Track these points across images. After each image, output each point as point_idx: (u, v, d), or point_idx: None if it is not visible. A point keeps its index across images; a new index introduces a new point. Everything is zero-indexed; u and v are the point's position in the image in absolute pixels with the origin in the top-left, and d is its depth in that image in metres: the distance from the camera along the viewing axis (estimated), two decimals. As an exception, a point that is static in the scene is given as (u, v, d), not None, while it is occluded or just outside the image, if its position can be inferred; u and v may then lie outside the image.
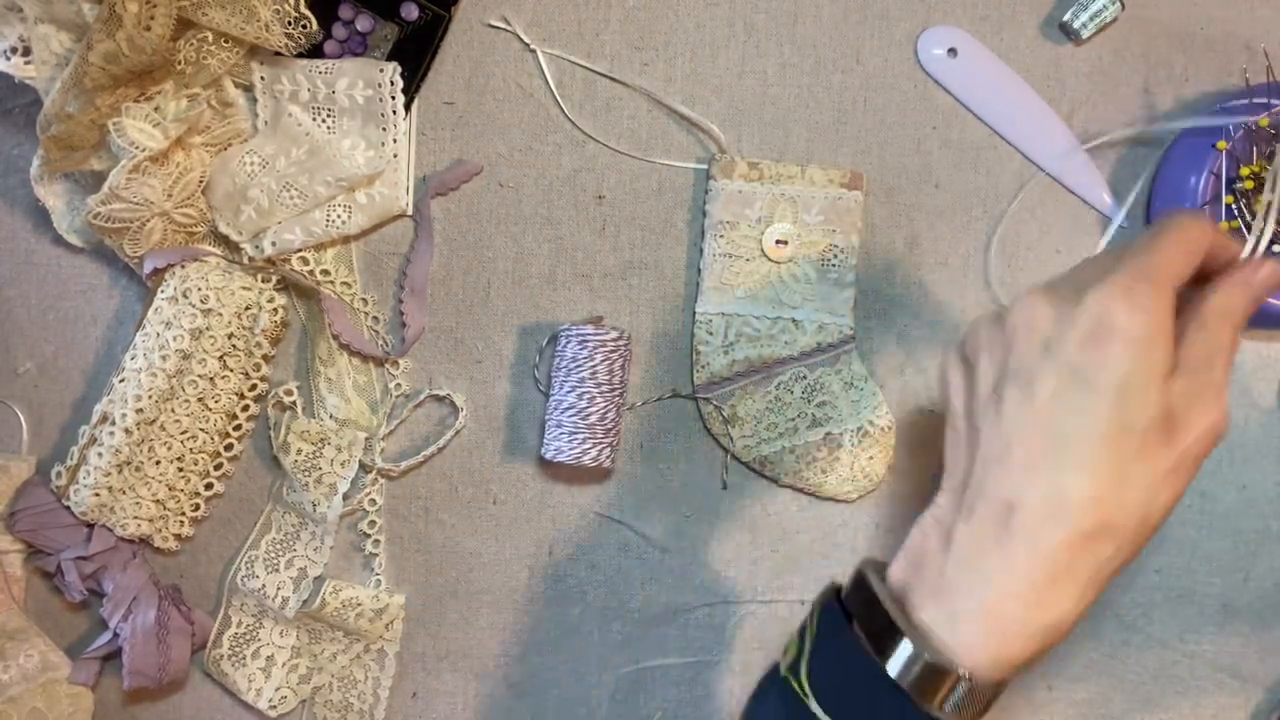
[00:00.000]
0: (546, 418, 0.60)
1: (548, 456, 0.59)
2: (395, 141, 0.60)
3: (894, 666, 0.41)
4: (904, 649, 0.41)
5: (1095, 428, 0.40)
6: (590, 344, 0.58)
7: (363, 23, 0.59)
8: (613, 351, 0.58)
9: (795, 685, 0.43)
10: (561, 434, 0.58)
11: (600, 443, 0.58)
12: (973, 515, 0.42)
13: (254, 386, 0.60)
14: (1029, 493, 0.41)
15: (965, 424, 0.44)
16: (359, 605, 0.60)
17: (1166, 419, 0.41)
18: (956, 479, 0.44)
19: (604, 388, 0.58)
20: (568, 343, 0.59)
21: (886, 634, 0.42)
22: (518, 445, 0.62)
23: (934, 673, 0.41)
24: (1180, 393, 0.41)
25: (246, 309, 0.59)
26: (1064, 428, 0.41)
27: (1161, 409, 0.41)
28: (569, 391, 0.58)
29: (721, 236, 0.60)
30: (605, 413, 0.58)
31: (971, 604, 0.41)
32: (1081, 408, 0.40)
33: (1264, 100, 0.57)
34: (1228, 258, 0.45)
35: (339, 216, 0.60)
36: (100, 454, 0.58)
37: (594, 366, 0.58)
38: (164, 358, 0.57)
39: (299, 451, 0.60)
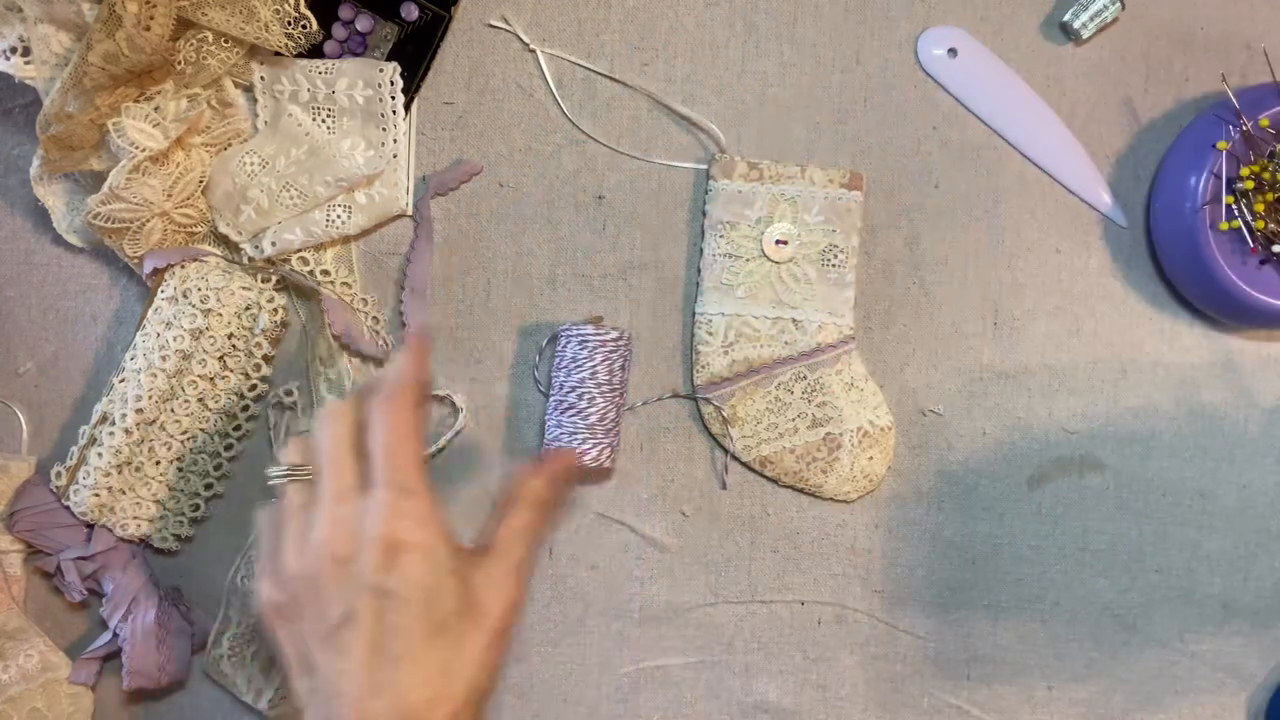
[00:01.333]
0: (546, 417, 0.60)
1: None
2: (395, 141, 0.60)
3: None
4: None
5: (414, 635, 0.44)
6: (590, 344, 0.58)
7: (363, 23, 0.59)
8: (613, 351, 0.58)
9: None
10: (561, 434, 0.58)
11: (600, 443, 0.58)
12: None
13: (254, 387, 0.60)
14: (377, 711, 0.44)
15: (305, 671, 0.46)
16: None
17: (470, 607, 0.46)
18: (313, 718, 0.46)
19: (604, 388, 0.58)
20: (568, 343, 0.59)
21: None
22: (518, 445, 0.62)
23: None
24: (480, 581, 0.47)
25: (246, 309, 0.59)
26: (390, 643, 0.44)
27: (462, 600, 0.46)
28: (569, 391, 0.58)
29: (721, 236, 0.60)
30: (605, 413, 0.58)
31: None
32: (398, 622, 0.44)
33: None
34: None
35: (339, 216, 0.60)
36: (100, 454, 0.58)
37: (594, 366, 0.58)
38: (164, 358, 0.57)
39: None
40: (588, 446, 0.58)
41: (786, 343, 0.60)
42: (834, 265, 0.60)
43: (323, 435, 0.48)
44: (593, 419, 0.58)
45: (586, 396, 0.58)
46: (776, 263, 0.60)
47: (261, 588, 0.47)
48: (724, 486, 0.62)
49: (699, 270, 0.61)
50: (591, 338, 0.58)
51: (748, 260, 0.60)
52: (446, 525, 0.46)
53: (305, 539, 0.46)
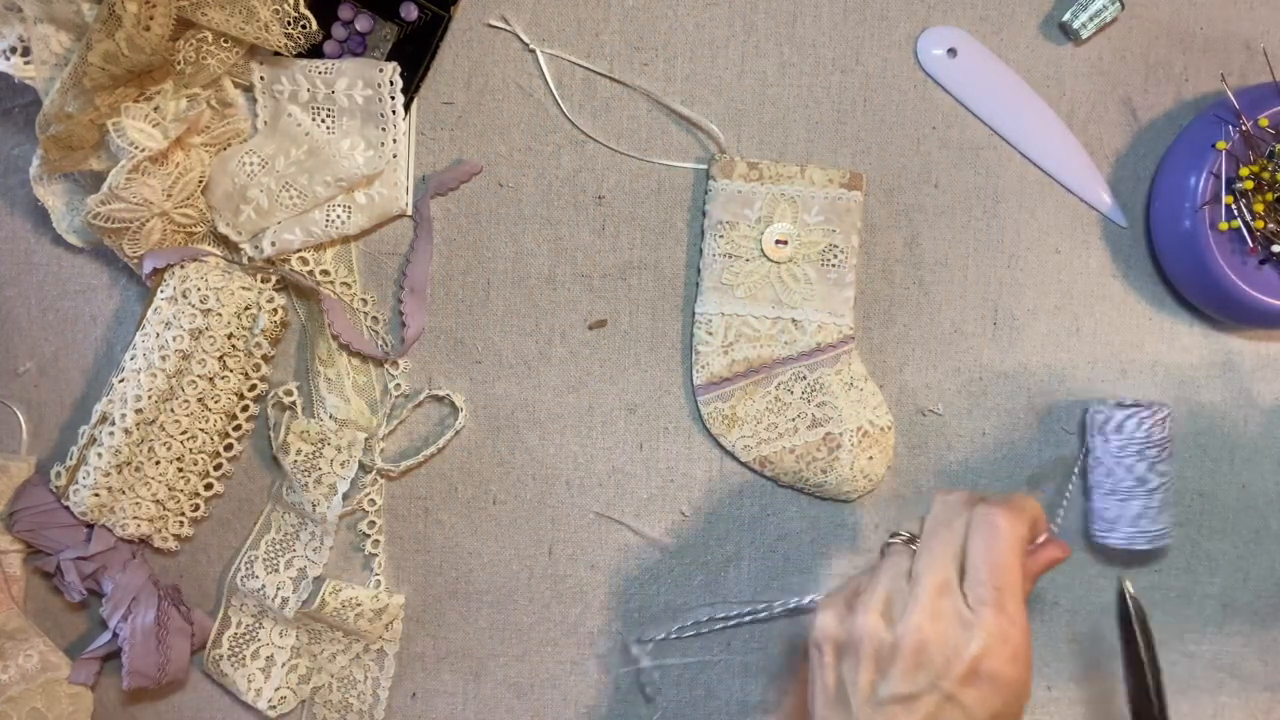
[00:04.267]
0: (1106, 498, 0.59)
1: (1118, 543, 0.58)
2: (395, 141, 0.60)
3: None
4: None
5: None
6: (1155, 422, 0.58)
7: (362, 23, 0.59)
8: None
9: None
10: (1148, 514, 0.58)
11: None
12: None
13: (254, 387, 0.60)
14: None
15: (837, 712, 0.49)
16: (358, 605, 0.60)
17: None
18: None
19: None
20: (1142, 424, 0.58)
21: None
22: (517, 445, 0.62)
23: None
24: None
25: (246, 309, 0.59)
26: None
27: None
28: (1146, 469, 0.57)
29: (721, 236, 0.60)
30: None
31: None
32: None
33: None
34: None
35: (338, 216, 0.60)
36: (100, 454, 0.58)
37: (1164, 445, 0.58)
38: (164, 358, 0.57)
39: (299, 452, 0.60)
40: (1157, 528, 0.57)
41: (786, 343, 0.60)
42: (834, 265, 0.60)
43: (941, 521, 0.49)
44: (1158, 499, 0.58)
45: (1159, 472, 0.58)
46: (776, 263, 0.60)
47: (828, 617, 0.50)
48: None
49: (699, 270, 0.61)
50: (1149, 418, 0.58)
51: (747, 260, 0.60)
52: (1031, 668, 0.47)
53: (897, 607, 0.48)
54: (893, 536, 0.51)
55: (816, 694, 0.50)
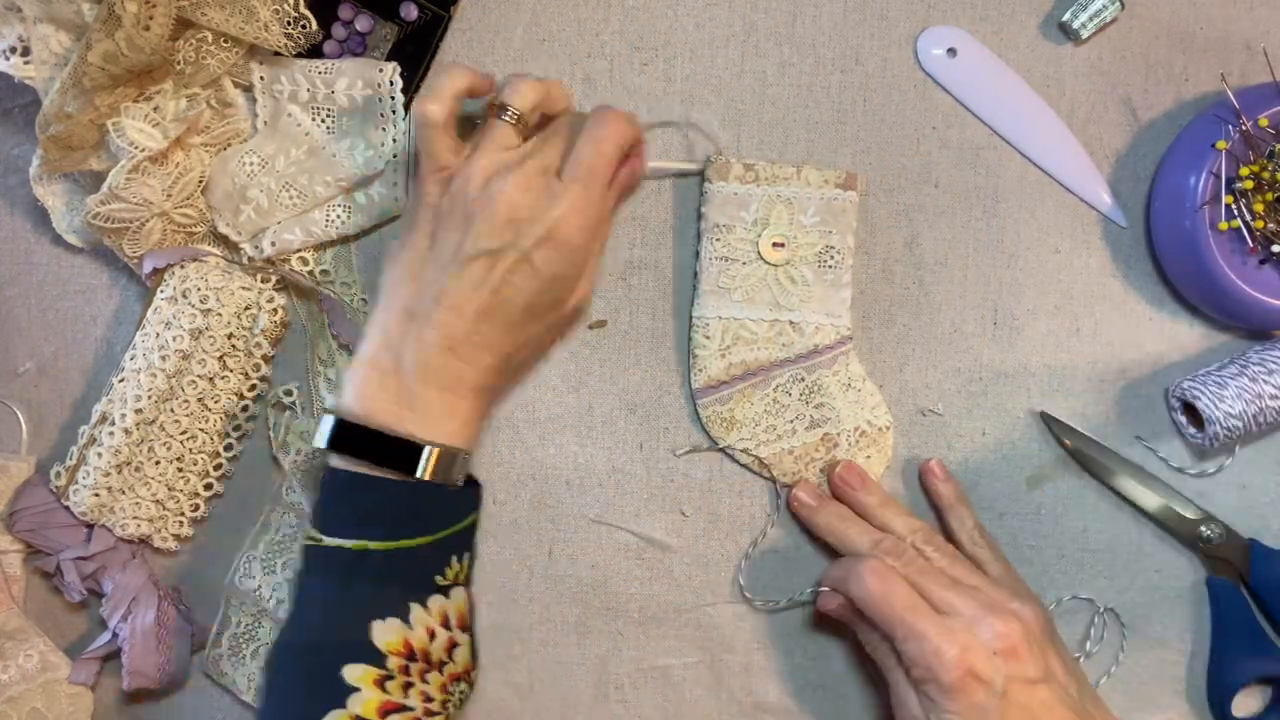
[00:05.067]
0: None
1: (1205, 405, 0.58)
2: (395, 141, 0.60)
3: (425, 469, 0.51)
4: (428, 454, 0.51)
5: (522, 299, 0.53)
6: None
7: (362, 23, 0.59)
8: None
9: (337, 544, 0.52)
10: None
11: None
12: (425, 340, 0.52)
13: (253, 387, 0.60)
14: (470, 335, 0.53)
15: (417, 275, 0.53)
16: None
17: (567, 295, 0.56)
18: (408, 306, 0.53)
19: None
20: None
21: (405, 451, 0.51)
22: (517, 445, 0.62)
23: (454, 457, 0.53)
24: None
25: (246, 309, 0.59)
26: (504, 295, 0.52)
27: (567, 292, 0.55)
28: None
29: (718, 240, 0.60)
30: None
31: (444, 399, 0.53)
32: (520, 286, 0.52)
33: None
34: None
35: (338, 216, 0.60)
36: (100, 454, 0.58)
37: None
38: (163, 358, 0.57)
39: (298, 452, 0.60)
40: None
41: (784, 345, 0.60)
42: (830, 266, 0.60)
43: (566, 124, 0.56)
44: None
45: None
46: (773, 265, 0.60)
47: (427, 184, 0.54)
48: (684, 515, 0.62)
49: (695, 273, 0.61)
50: None
51: (744, 264, 0.60)
52: (604, 234, 0.57)
53: (493, 178, 0.52)
54: (504, 114, 0.54)
55: (401, 259, 0.54)
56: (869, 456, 0.60)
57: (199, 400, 0.59)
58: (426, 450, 0.51)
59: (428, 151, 0.54)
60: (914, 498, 0.62)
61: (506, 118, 0.54)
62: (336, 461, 0.52)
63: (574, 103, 0.59)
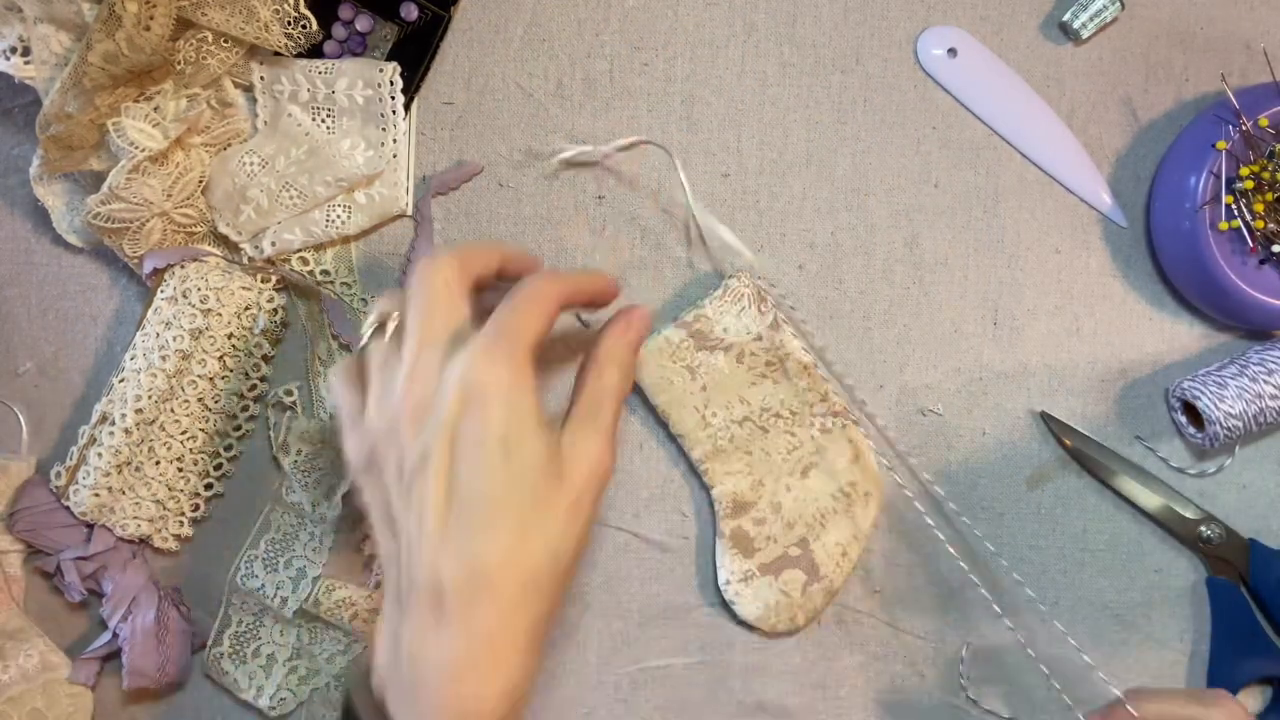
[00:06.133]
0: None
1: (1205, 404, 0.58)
2: (395, 141, 0.60)
3: None
4: None
5: (490, 486, 0.42)
6: None
7: (362, 23, 0.59)
8: None
9: None
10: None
11: None
12: (410, 610, 0.43)
13: (254, 387, 0.60)
14: (449, 567, 0.42)
15: (388, 528, 0.45)
16: (353, 605, 0.60)
17: (552, 464, 0.44)
18: (392, 582, 0.45)
19: None
20: None
21: None
22: (517, 445, 0.62)
23: None
24: (568, 438, 0.45)
25: (246, 309, 0.59)
26: (464, 493, 0.42)
27: (544, 456, 0.43)
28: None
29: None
30: None
31: (433, 699, 0.42)
32: (474, 469, 0.42)
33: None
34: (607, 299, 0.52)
35: (339, 216, 0.60)
36: (100, 454, 0.58)
37: None
38: (164, 358, 0.57)
39: (299, 452, 0.60)
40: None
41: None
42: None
43: (415, 279, 0.46)
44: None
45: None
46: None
47: (348, 445, 0.46)
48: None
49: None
50: None
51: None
52: (536, 383, 0.44)
53: (387, 390, 0.44)
54: (372, 333, 0.47)
55: (376, 537, 0.46)
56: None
57: (199, 400, 0.59)
58: None
59: (340, 413, 0.47)
60: (914, 497, 0.62)
61: (375, 335, 0.47)
62: None
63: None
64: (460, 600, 0.42)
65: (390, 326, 0.46)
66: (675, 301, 0.62)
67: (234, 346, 0.59)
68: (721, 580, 0.60)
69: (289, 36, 0.56)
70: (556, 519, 0.43)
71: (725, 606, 0.61)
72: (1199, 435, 0.60)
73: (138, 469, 0.59)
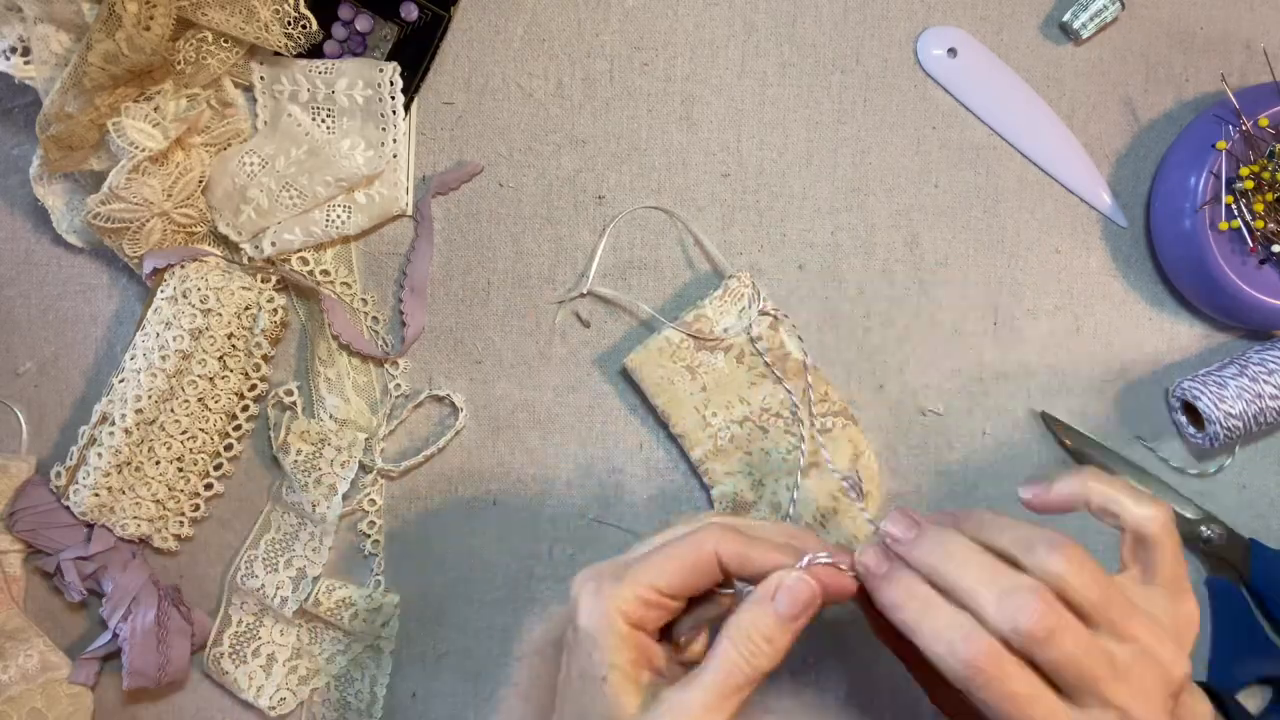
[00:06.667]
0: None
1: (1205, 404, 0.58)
2: (395, 141, 0.60)
3: None
4: None
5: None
6: None
7: (362, 23, 0.59)
8: None
9: None
10: None
11: None
12: None
13: (254, 387, 0.60)
14: None
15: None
16: (353, 605, 0.60)
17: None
18: None
19: None
20: None
21: None
22: (517, 445, 0.62)
23: None
24: (685, 710, 0.41)
25: (246, 309, 0.59)
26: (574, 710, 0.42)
27: (623, 714, 0.40)
28: None
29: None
30: None
31: None
32: (573, 693, 0.42)
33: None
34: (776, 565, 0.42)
35: (339, 216, 0.60)
36: (100, 454, 0.58)
37: None
38: (164, 358, 0.57)
39: (299, 452, 0.60)
40: None
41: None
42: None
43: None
44: None
45: None
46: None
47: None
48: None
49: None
50: None
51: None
52: (622, 627, 0.42)
53: None
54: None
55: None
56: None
57: (199, 400, 0.59)
58: None
59: None
60: (914, 498, 0.62)
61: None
62: None
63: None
64: None
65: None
66: (675, 301, 0.62)
67: (234, 346, 0.59)
68: None
69: (289, 36, 0.56)
70: None
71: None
72: (1199, 435, 0.60)
73: (138, 469, 0.59)
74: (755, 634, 0.42)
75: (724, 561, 0.42)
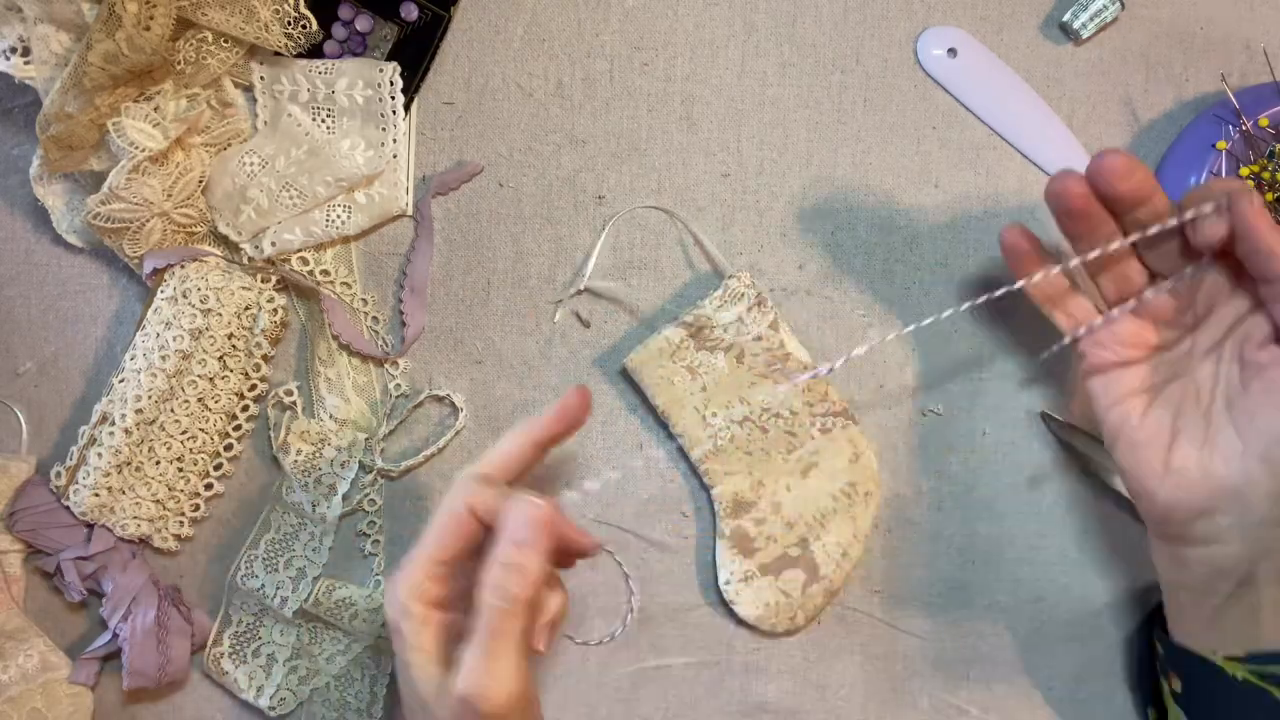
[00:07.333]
0: None
1: None
2: (395, 141, 0.60)
3: None
4: None
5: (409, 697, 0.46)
6: None
7: (362, 23, 0.59)
8: None
9: None
10: None
11: None
12: None
13: (254, 387, 0.60)
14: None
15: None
16: (353, 605, 0.60)
17: (460, 699, 0.43)
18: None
19: None
20: None
21: None
22: (517, 445, 0.62)
23: None
24: (466, 668, 0.43)
25: (246, 309, 0.59)
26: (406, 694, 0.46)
27: (437, 688, 0.44)
28: None
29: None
30: None
31: None
32: (401, 681, 0.46)
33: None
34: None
35: (339, 216, 0.60)
36: (100, 454, 0.58)
37: None
38: (164, 358, 0.57)
39: (298, 452, 0.60)
40: None
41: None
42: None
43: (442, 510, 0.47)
44: None
45: None
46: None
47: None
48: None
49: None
50: None
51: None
52: (424, 613, 0.45)
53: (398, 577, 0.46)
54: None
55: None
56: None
57: (199, 400, 0.59)
58: None
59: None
60: (914, 498, 0.62)
61: None
62: None
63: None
64: None
65: None
66: (675, 301, 0.62)
67: (234, 346, 0.59)
68: (722, 580, 0.60)
69: (289, 36, 0.56)
70: None
71: (725, 606, 0.61)
72: None
73: (138, 469, 0.59)
74: (503, 577, 0.44)
75: (480, 516, 0.46)
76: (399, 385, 0.62)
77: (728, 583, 0.60)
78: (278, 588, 0.60)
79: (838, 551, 0.60)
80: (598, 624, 0.62)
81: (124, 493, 0.59)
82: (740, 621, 0.61)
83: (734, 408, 0.60)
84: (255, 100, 0.60)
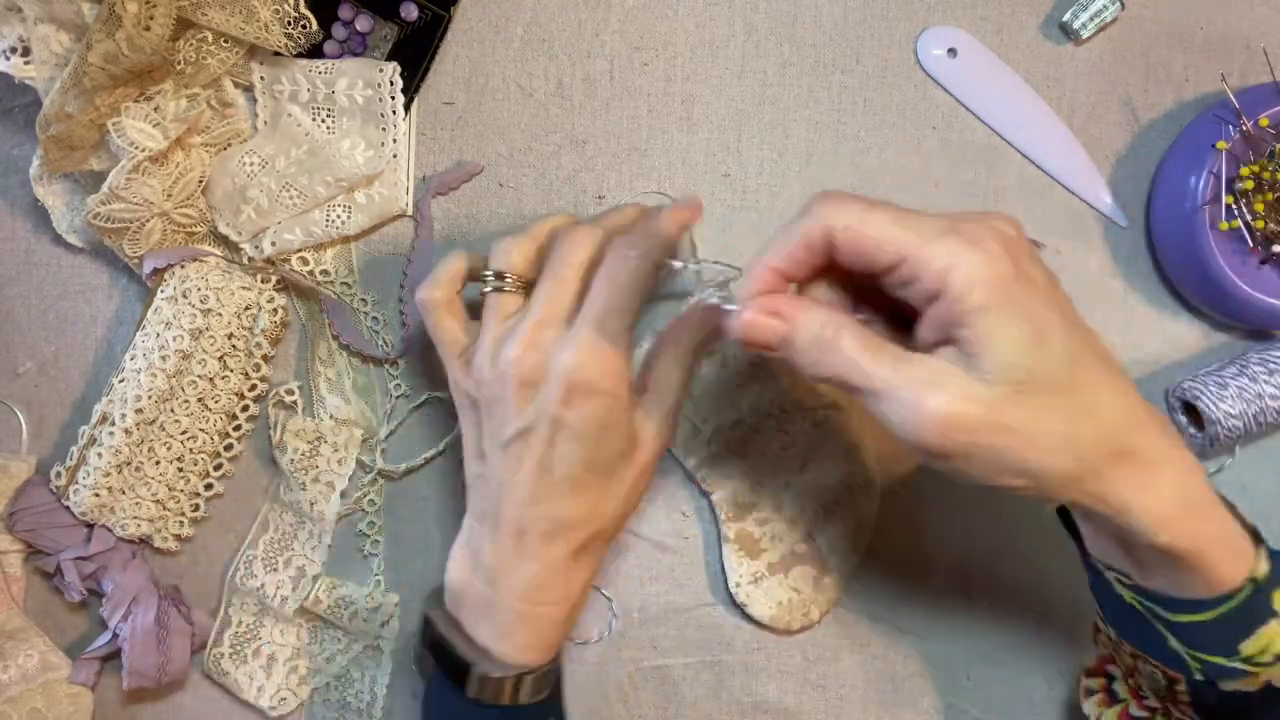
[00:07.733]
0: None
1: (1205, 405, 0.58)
2: (395, 141, 0.60)
3: (471, 689, 0.50)
4: (474, 674, 0.50)
5: (579, 470, 0.49)
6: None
7: (362, 23, 0.59)
8: None
9: None
10: None
11: None
12: (495, 536, 0.50)
13: (254, 387, 0.60)
14: (534, 520, 0.50)
15: (478, 455, 0.52)
16: (352, 604, 0.60)
17: (629, 445, 0.50)
18: (477, 500, 0.52)
19: None
20: None
21: (459, 667, 0.50)
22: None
23: (502, 682, 0.50)
24: (641, 417, 0.51)
25: (246, 309, 0.59)
26: (557, 470, 0.49)
27: (625, 441, 0.50)
28: None
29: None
30: None
31: (511, 608, 0.50)
32: (567, 455, 0.48)
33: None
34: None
35: (339, 216, 0.60)
36: (100, 454, 0.58)
37: None
38: (164, 358, 0.57)
39: (295, 450, 0.60)
40: None
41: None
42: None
43: (557, 256, 0.50)
44: None
45: None
46: None
47: (454, 370, 0.52)
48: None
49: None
50: None
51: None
52: (630, 376, 0.49)
53: (500, 349, 0.49)
54: (495, 280, 0.52)
55: (466, 451, 0.53)
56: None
57: (199, 400, 0.59)
58: (473, 673, 0.50)
59: (440, 339, 0.53)
60: (914, 497, 0.62)
61: (497, 285, 0.51)
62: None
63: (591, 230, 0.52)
64: (540, 541, 0.50)
65: (508, 281, 0.52)
66: (671, 305, 0.62)
67: (234, 346, 0.59)
68: (731, 584, 0.60)
69: (289, 36, 0.56)
70: (624, 486, 0.51)
71: (725, 606, 0.62)
72: (1199, 435, 0.60)
73: (138, 469, 0.59)
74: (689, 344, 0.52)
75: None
76: (399, 385, 0.62)
77: (738, 586, 0.60)
78: (277, 587, 0.60)
79: (845, 543, 0.60)
80: (592, 619, 0.62)
81: (124, 493, 0.59)
82: (755, 623, 0.61)
83: (724, 412, 0.60)
84: (255, 100, 0.60)
